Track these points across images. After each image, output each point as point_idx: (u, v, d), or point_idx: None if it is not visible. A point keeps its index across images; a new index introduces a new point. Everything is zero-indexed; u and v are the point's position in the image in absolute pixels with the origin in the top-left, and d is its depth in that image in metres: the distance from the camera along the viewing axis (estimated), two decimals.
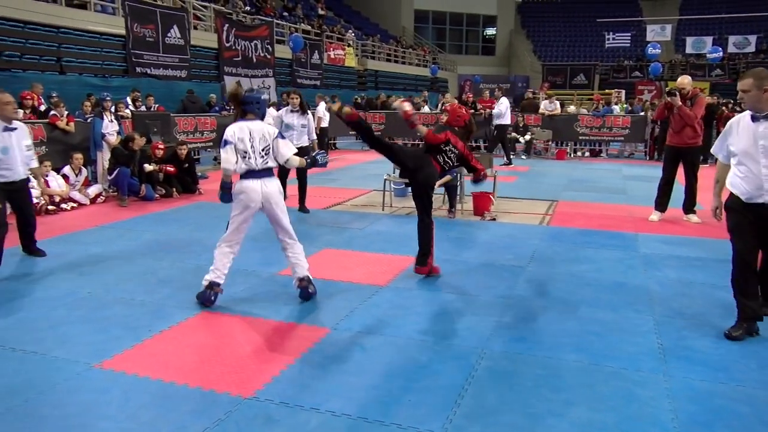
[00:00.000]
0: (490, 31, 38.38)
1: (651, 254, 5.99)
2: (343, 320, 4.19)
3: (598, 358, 3.62)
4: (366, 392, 3.18)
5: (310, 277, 4.62)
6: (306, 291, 4.56)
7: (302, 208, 8.00)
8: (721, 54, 25.72)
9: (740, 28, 30.09)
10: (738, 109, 15.89)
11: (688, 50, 30.70)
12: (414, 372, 3.43)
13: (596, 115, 15.87)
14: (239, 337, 3.91)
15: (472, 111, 16.21)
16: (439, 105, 16.31)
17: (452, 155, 5.16)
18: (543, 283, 5.06)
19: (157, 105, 12.66)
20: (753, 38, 29.32)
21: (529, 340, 3.88)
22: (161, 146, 9.46)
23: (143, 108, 12.15)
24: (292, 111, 7.98)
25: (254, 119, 4.38)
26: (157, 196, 8.92)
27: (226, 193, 4.35)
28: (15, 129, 5.46)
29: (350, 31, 27.93)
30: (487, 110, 16.20)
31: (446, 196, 7.99)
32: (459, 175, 7.98)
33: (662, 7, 35.68)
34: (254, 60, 17.98)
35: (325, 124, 13.20)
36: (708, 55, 26.04)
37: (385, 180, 8.38)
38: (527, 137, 15.51)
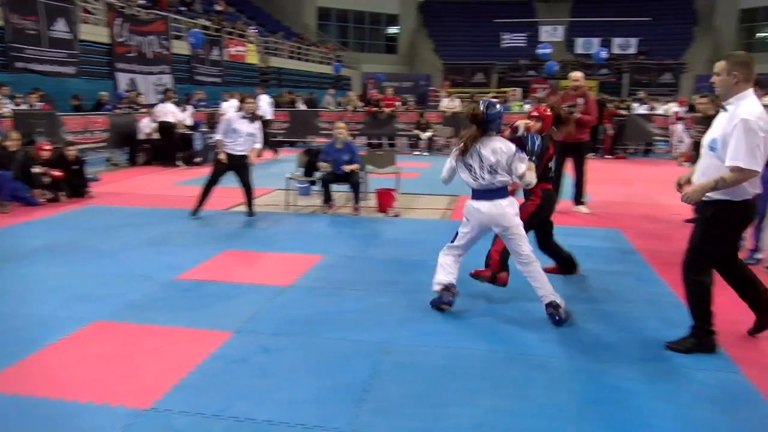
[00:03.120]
0: (393, 30, 38.83)
1: None
2: (247, 323, 4.10)
3: (501, 345, 3.76)
4: (271, 394, 3.13)
5: (557, 303, 4.13)
6: (553, 318, 4.13)
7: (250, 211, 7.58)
8: (607, 54, 27.41)
9: (624, 31, 32.17)
10: (622, 106, 17.01)
11: (578, 50, 32.49)
12: (320, 371, 3.41)
13: None
14: (135, 347, 3.73)
15: (376, 109, 16.41)
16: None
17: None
18: None
19: (42, 103, 11.83)
20: (634, 41, 31.49)
21: (434, 333, 3.96)
22: (47, 147, 8.84)
23: (25, 106, 11.31)
24: (243, 117, 7.46)
25: (492, 136, 4.14)
26: (42, 201, 8.33)
27: None
28: None
29: (252, 27, 27.34)
30: (389, 108, 16.43)
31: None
32: (364, 172, 8.03)
33: (555, 9, 37.49)
34: (150, 56, 17.26)
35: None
36: (600, 55, 27.52)
37: (288, 178, 8.29)
38: (428, 134, 15.83)
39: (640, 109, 16.52)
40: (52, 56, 14.13)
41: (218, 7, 26.90)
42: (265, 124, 14.15)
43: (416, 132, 15.99)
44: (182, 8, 23.06)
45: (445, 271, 4.33)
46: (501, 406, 3.03)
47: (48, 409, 2.98)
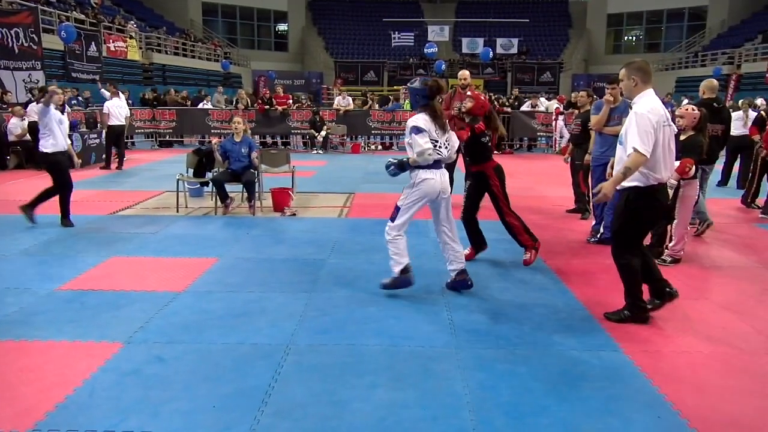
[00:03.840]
0: (282, 27, 38.32)
1: None
2: (138, 332, 3.90)
3: (398, 340, 3.82)
4: (167, 405, 3.00)
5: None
6: (465, 283, 4.73)
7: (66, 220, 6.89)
8: (491, 54, 28.54)
9: (506, 32, 33.72)
10: (507, 103, 17.84)
11: (464, 50, 33.64)
12: (218, 378, 3.31)
13: (386, 110, 16.69)
14: (12, 365, 3.44)
15: (267, 107, 16.15)
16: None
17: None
18: (344, 274, 5.20)
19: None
20: (515, 41, 33.06)
21: (334, 330, 3.97)
22: None
23: None
24: (56, 108, 6.99)
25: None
26: None
27: (399, 170, 4.52)
28: None
29: (131, 22, 25.98)
30: (282, 107, 16.22)
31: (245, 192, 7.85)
32: (257, 171, 7.87)
33: (441, 9, 38.58)
34: (16, 50, 15.94)
35: (115, 121, 11.91)
36: (488, 54, 28.56)
37: (178, 180, 7.96)
38: (323, 132, 15.80)
39: (523, 107, 17.40)
40: None
41: (94, 1, 25.31)
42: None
43: (311, 131, 15.89)
44: (53, 0, 21.49)
45: (403, 253, 4.54)
46: (401, 400, 3.09)
47: None
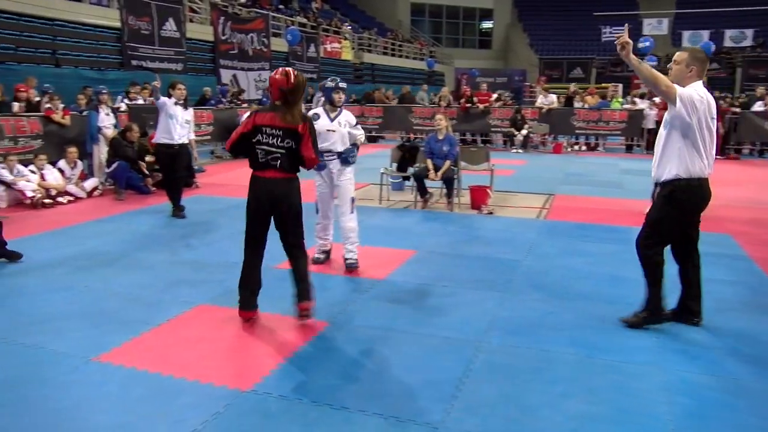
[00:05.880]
0: (487, 25, 38.29)
1: None
2: (341, 314, 4.20)
3: (594, 351, 3.63)
4: (364, 386, 3.19)
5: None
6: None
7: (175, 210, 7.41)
8: (712, 48, 25.62)
9: (737, 22, 30.07)
10: (737, 103, 15.92)
11: (685, 44, 30.67)
12: (411, 365, 3.44)
13: (593, 108, 15.86)
14: (236, 331, 3.92)
15: (469, 105, 16.25)
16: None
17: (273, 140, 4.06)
18: (539, 277, 5.07)
19: (152, 99, 12.57)
20: (750, 32, 29.33)
21: (526, 334, 3.89)
22: None
23: (139, 101, 12.08)
24: (176, 103, 7.32)
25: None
26: (153, 189, 8.90)
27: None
28: None
29: (346, 24, 27.84)
30: (483, 105, 16.21)
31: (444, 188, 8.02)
32: (457, 169, 7.98)
33: (659, 1, 35.61)
34: (250, 53, 17.95)
35: None
36: (710, 49, 25.66)
37: (382, 173, 8.38)
38: (524, 131, 15.49)
39: (756, 106, 15.32)
40: (162, 54, 14.98)
41: (315, 5, 27.57)
42: None
43: (511, 129, 15.67)
44: (281, 6, 23.81)
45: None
46: (593, 414, 2.94)
47: (159, 383, 3.19)
